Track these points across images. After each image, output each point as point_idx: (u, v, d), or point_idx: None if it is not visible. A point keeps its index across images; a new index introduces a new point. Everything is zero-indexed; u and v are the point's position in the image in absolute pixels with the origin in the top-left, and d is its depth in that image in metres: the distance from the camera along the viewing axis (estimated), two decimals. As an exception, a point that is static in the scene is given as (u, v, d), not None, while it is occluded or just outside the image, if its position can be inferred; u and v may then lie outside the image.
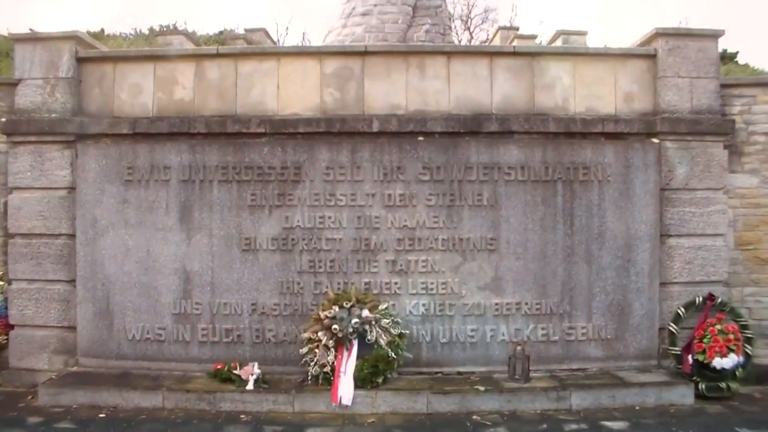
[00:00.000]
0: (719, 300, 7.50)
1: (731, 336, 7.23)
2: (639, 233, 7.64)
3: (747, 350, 7.33)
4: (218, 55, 7.77)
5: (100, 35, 9.25)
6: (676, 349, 7.42)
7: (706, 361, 7.18)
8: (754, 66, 9.14)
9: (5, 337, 7.74)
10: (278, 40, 22.04)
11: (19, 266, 7.70)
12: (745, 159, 7.91)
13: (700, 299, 7.50)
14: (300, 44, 24.43)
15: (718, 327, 7.26)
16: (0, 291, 7.77)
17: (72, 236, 7.70)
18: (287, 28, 27.32)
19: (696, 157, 7.65)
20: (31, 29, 7.93)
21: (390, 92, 7.65)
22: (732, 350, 7.18)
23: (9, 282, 7.76)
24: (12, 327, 7.74)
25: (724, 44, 8.28)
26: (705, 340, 7.24)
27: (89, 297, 7.69)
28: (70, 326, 7.69)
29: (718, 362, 7.14)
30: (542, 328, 7.61)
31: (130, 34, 10.04)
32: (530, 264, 7.60)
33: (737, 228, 7.88)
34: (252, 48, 8.64)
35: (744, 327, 7.43)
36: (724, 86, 7.84)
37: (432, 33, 11.34)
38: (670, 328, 7.46)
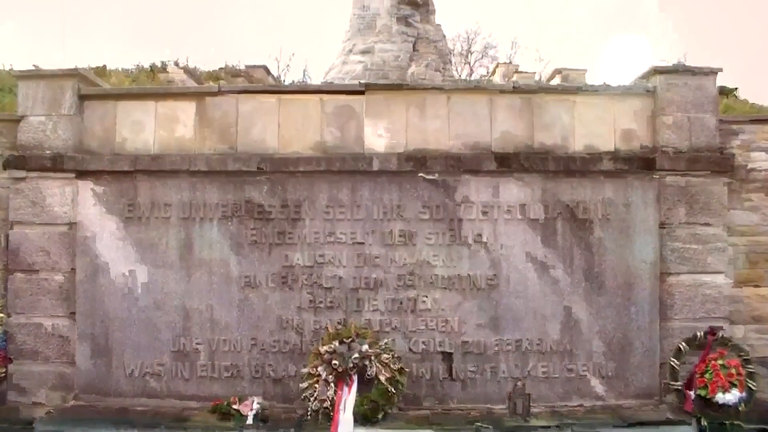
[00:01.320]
0: (721, 335, 7.47)
1: (733, 371, 7.19)
2: (639, 271, 7.64)
3: (750, 385, 7.28)
4: (219, 93, 7.83)
5: (102, 71, 9.35)
6: (678, 384, 7.39)
7: (708, 397, 7.15)
8: (753, 101, 9.20)
9: (3, 371, 7.72)
10: (279, 76, 22.21)
11: (19, 301, 7.69)
12: (745, 196, 7.89)
13: (702, 334, 7.48)
14: (301, 81, 24.65)
15: (720, 362, 7.24)
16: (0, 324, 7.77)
17: (72, 272, 7.70)
18: (288, 65, 27.62)
19: (696, 194, 7.65)
20: (35, 66, 8.01)
21: (390, 130, 7.70)
22: (734, 385, 7.14)
23: (8, 315, 7.75)
24: (11, 360, 7.72)
25: (722, 80, 8.32)
26: (707, 375, 7.21)
27: (88, 333, 7.68)
28: (68, 362, 7.67)
29: (721, 397, 7.11)
30: (543, 366, 7.57)
31: (132, 70, 10.13)
32: (530, 302, 7.59)
33: (738, 265, 7.84)
34: (253, 86, 8.73)
35: (746, 362, 7.39)
36: (722, 123, 7.86)
37: (432, 69, 11.43)
38: (672, 363, 7.43)
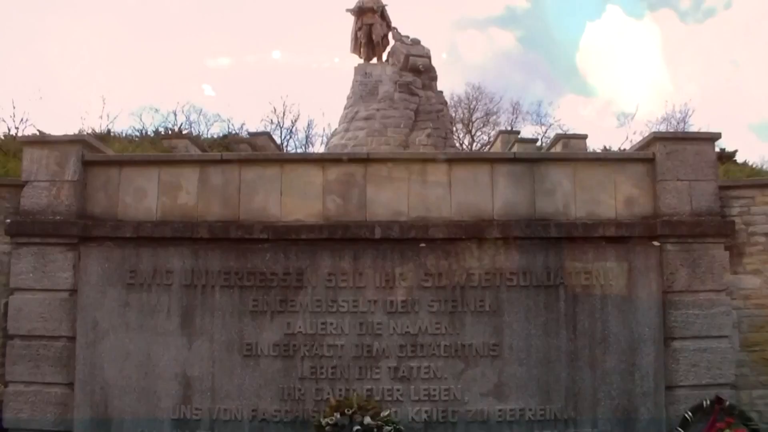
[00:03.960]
0: (728, 403, 7.38)
1: (742, 440, 7.10)
2: (643, 336, 7.59)
3: (760, 456, 7.19)
4: (222, 162, 7.92)
5: (106, 137, 9.43)
6: (686, 455, 7.28)
7: (717, 467, 7.03)
8: (752, 164, 9.27)
9: (-1, 442, 7.61)
10: (282, 143, 22.56)
11: (17, 368, 7.61)
12: (747, 260, 7.90)
13: (708, 403, 7.38)
14: (304, 145, 25.03)
15: (728, 431, 7.13)
16: (-4, 393, 7.68)
17: (72, 339, 7.65)
18: (290, 131, 28.02)
19: (697, 259, 7.64)
20: (39, 132, 8.08)
21: (392, 198, 7.75)
22: (744, 456, 7.04)
23: (6, 384, 7.66)
24: (6, 431, 7.60)
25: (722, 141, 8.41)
26: (715, 445, 7.11)
27: (87, 401, 7.59)
28: (66, 430, 7.54)
29: (731, 468, 7.00)
30: (547, 434, 7.48)
31: (136, 136, 10.24)
32: (533, 369, 7.53)
33: (742, 329, 7.80)
34: (255, 154, 8.79)
35: (755, 431, 7.30)
36: (722, 188, 7.91)
37: (434, 137, 11.57)
38: (678, 432, 7.34)
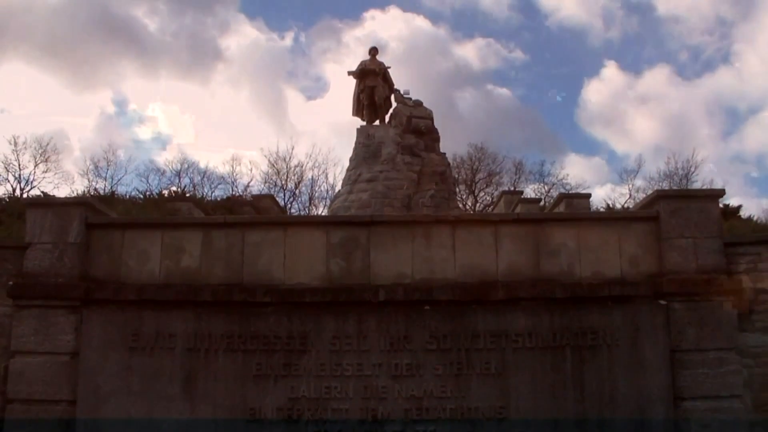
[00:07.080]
0: (740, 465, 7.23)
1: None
2: (652, 397, 7.48)
3: None
4: (225, 225, 7.94)
5: (109, 199, 9.45)
6: None
7: None
8: (756, 218, 9.25)
9: None
10: (285, 205, 22.63)
11: (17, 433, 7.52)
12: (755, 317, 7.78)
13: (720, 465, 7.23)
14: (307, 208, 25.10)
15: (741, 495, 6.97)
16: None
17: (73, 403, 7.55)
18: (294, 193, 28.21)
19: (705, 317, 7.57)
20: (43, 193, 8.11)
21: (396, 261, 7.74)
22: None
23: (3, 450, 7.55)
24: (3, 498, 7.47)
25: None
26: None
27: (88, 467, 7.46)
28: (64, 498, 7.42)
29: None
30: (557, 500, 7.31)
31: (140, 198, 10.28)
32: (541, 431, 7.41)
33: (754, 389, 7.66)
34: (259, 218, 8.83)
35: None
36: (728, 245, 7.85)
37: (437, 198, 11.58)
38: (690, 498, 7.16)
